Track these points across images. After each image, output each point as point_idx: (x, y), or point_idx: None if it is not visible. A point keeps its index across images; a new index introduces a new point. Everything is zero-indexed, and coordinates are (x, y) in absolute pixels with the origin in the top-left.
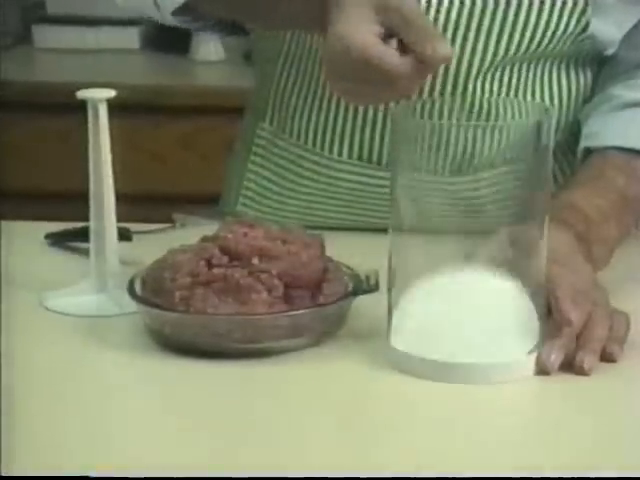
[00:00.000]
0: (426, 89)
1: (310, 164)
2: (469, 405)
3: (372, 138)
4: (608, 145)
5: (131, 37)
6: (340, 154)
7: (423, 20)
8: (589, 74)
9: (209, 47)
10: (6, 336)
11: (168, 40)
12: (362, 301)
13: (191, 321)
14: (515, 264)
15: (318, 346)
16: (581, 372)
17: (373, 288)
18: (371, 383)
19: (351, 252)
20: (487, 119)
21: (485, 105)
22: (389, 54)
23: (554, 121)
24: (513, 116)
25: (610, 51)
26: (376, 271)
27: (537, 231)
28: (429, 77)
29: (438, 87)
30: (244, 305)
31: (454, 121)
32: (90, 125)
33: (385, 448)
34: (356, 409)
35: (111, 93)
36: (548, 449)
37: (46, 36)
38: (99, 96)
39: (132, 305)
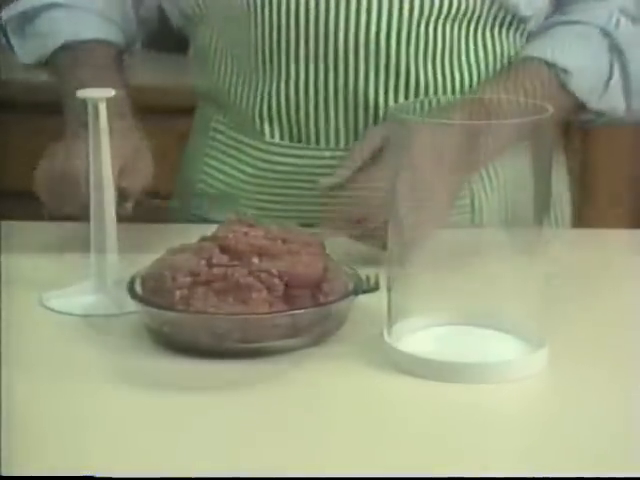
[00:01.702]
0: (351, 44)
1: (250, 150)
2: (469, 405)
3: (298, 118)
4: (526, 55)
5: None
6: (272, 136)
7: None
8: (516, 40)
9: None
10: (6, 336)
11: (168, 40)
12: (362, 301)
13: (191, 320)
14: (515, 264)
15: (318, 346)
16: None
17: (373, 288)
18: (371, 383)
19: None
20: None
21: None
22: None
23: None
24: (512, 116)
25: (524, 11)
26: (376, 271)
27: (537, 230)
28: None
29: (362, 47)
30: (244, 304)
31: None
32: (90, 125)
33: (385, 448)
34: (356, 409)
35: (111, 93)
36: (549, 449)
37: None
38: (99, 96)
39: (132, 305)
